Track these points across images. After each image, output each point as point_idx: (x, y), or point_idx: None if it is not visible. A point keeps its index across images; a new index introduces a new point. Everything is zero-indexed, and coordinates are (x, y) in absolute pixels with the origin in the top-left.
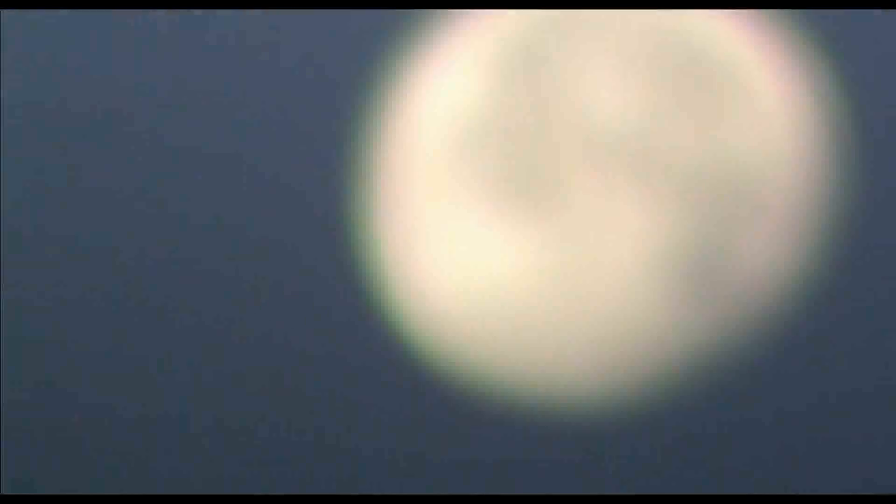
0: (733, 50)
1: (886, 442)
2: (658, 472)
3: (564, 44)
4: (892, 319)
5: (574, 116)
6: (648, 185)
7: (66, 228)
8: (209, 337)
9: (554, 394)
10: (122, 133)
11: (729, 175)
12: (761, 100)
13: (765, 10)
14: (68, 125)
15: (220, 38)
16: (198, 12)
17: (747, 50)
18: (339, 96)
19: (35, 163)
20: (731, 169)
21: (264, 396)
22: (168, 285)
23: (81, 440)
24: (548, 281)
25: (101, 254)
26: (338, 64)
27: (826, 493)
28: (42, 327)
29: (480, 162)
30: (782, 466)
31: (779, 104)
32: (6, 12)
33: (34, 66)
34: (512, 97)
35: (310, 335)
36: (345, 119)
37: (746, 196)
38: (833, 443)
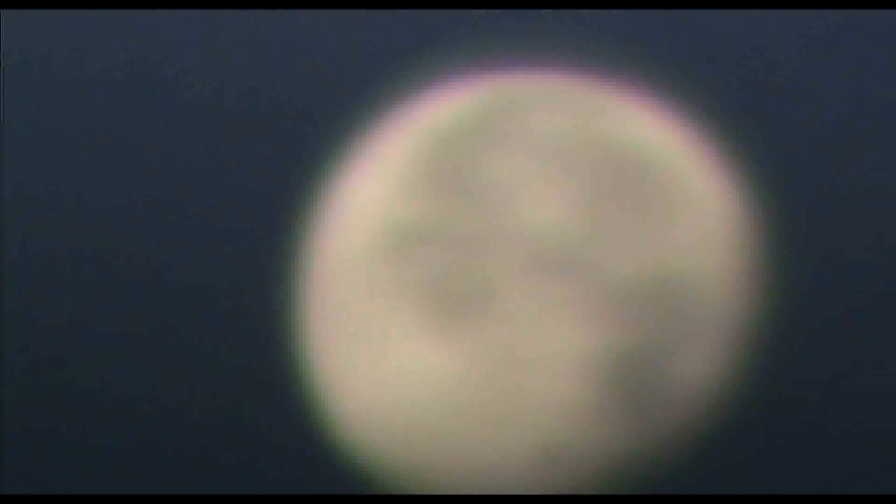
0: (670, 153)
1: None
2: None
3: (498, 149)
4: (822, 436)
5: (508, 224)
6: (583, 293)
7: (67, 230)
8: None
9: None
10: (124, 134)
11: (666, 284)
12: (700, 205)
13: (696, 103)
14: (69, 126)
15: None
16: (201, 13)
17: (685, 153)
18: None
19: (36, 164)
20: (669, 278)
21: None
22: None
23: (81, 440)
24: (478, 387)
25: (101, 255)
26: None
27: None
28: (42, 325)
29: (412, 268)
30: None
31: (719, 210)
32: (6, 12)
33: (34, 66)
34: (444, 202)
35: (236, 438)
36: (275, 220)
37: (684, 306)
38: None
